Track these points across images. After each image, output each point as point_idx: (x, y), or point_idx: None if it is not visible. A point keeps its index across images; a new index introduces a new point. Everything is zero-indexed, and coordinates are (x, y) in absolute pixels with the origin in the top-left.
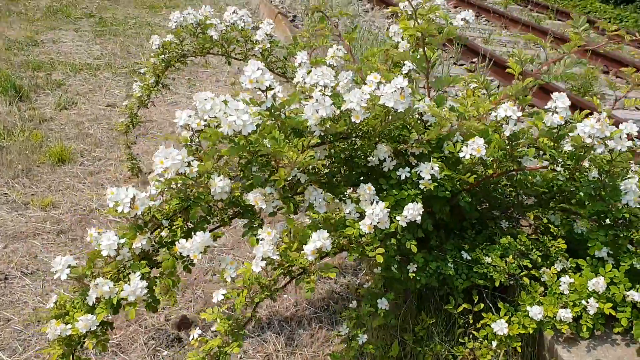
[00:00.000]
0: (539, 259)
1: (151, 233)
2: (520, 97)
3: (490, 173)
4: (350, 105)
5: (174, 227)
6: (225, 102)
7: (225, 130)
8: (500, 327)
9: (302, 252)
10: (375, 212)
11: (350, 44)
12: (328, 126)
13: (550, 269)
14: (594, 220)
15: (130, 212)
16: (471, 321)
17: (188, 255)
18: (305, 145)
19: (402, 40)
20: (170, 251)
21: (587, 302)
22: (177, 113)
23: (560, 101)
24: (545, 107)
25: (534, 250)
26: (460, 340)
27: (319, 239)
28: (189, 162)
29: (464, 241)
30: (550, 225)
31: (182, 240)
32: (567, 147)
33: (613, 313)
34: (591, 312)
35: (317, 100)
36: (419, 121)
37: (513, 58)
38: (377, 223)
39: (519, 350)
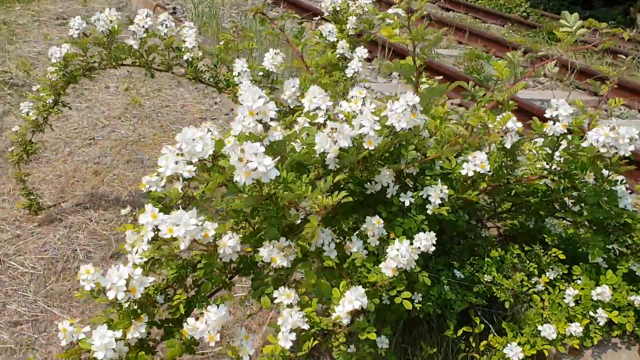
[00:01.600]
0: (535, 271)
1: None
2: (506, 102)
3: (484, 187)
4: (363, 130)
5: (174, 302)
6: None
7: (241, 179)
8: (514, 352)
9: (336, 315)
10: (402, 253)
11: (302, 50)
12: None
13: (541, 278)
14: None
15: (124, 297)
16: (473, 344)
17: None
18: (330, 183)
19: (339, 40)
20: (173, 333)
21: (596, 313)
22: (161, 162)
23: (562, 109)
24: (546, 115)
25: (528, 262)
26: None
27: (357, 298)
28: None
29: (450, 257)
30: (545, 235)
31: (191, 320)
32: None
33: (619, 321)
34: (601, 323)
35: (333, 129)
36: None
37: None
38: (405, 265)
39: None
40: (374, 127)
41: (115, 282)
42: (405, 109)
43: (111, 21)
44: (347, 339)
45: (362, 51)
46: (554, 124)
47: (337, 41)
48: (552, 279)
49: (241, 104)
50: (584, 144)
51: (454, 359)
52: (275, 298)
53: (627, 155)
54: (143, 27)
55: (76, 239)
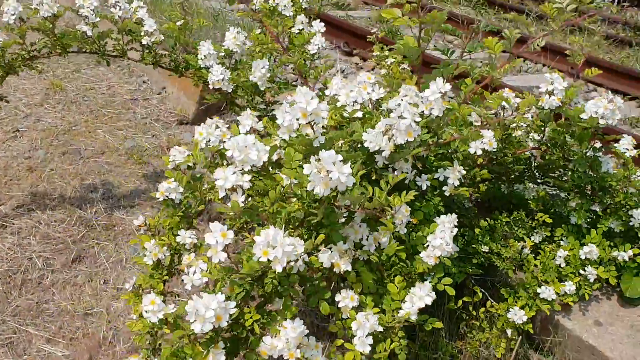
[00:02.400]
0: (524, 237)
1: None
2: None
3: (480, 162)
4: (405, 122)
5: (248, 322)
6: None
7: (320, 191)
8: (518, 315)
9: (405, 312)
10: (446, 240)
11: (278, 30)
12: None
13: (527, 242)
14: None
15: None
16: (473, 312)
17: None
18: (391, 183)
19: (298, 14)
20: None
21: (585, 271)
22: (219, 174)
23: (557, 83)
24: (541, 90)
25: (517, 229)
26: (468, 334)
27: (427, 294)
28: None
29: None
30: (528, 201)
31: (268, 339)
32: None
33: (604, 275)
34: (591, 280)
35: (389, 125)
36: None
37: None
38: (449, 252)
39: (532, 331)
40: (414, 119)
41: (203, 313)
42: (437, 97)
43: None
44: None
45: (319, 25)
46: (549, 97)
47: (295, 15)
48: (538, 242)
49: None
50: (583, 116)
51: (455, 327)
52: (338, 302)
53: (613, 123)
54: (91, 8)
55: (29, 245)
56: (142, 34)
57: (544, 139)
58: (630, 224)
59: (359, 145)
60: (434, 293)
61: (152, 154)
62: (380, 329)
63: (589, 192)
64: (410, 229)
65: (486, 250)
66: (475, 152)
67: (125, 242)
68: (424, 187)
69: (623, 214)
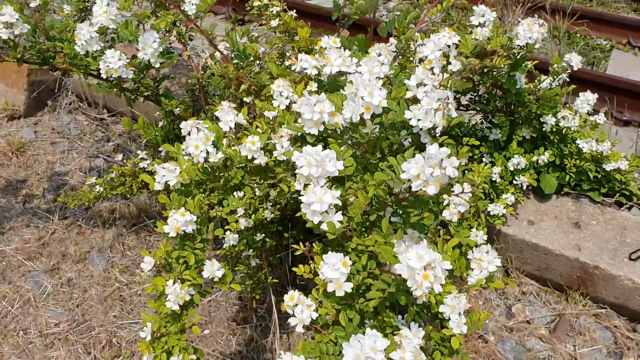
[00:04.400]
0: None
1: None
2: None
3: None
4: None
5: None
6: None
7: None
8: (479, 236)
9: None
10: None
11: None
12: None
13: None
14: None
15: None
16: None
17: None
18: None
19: None
20: None
21: (517, 180)
22: (310, 197)
23: (488, 15)
24: (473, 22)
25: None
26: None
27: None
28: None
29: None
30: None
31: None
32: None
33: (530, 180)
34: (524, 187)
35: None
36: None
37: None
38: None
39: None
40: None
41: None
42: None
43: None
44: None
45: None
46: (481, 29)
47: None
48: (465, 163)
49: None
50: (518, 42)
51: None
52: None
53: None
54: None
55: None
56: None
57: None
58: (544, 129)
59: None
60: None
61: None
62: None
63: (510, 110)
64: None
65: None
66: None
67: (21, 277)
68: None
69: (536, 123)
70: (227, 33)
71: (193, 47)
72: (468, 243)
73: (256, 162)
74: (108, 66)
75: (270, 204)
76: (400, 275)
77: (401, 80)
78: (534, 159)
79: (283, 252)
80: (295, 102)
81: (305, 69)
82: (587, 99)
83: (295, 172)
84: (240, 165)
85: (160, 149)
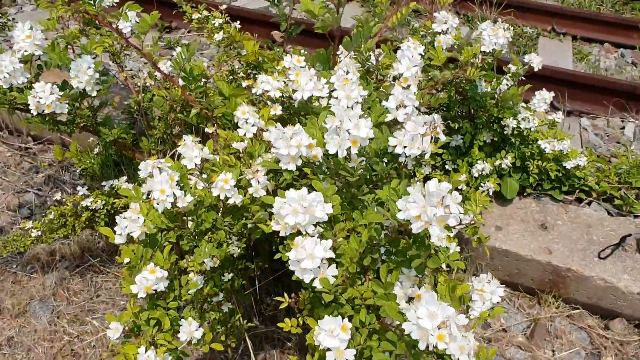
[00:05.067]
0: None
1: None
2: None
3: None
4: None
5: None
6: None
7: None
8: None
9: None
10: None
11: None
12: None
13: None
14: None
15: None
16: None
17: None
18: None
19: None
20: None
21: (483, 186)
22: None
23: (452, 22)
24: (436, 29)
25: None
26: None
27: None
28: None
29: None
30: None
31: None
32: None
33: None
34: (490, 193)
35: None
36: None
37: None
38: None
39: None
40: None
41: None
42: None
43: None
44: None
45: None
46: (444, 36)
47: None
48: (427, 173)
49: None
50: (484, 48)
51: None
52: None
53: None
54: None
55: None
56: None
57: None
58: (505, 132)
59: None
60: None
61: None
62: None
63: (470, 115)
64: None
65: None
66: None
67: None
68: None
69: (497, 126)
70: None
71: (127, 65)
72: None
73: (230, 201)
74: (39, 101)
75: (236, 237)
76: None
77: (374, 101)
78: (497, 163)
79: (245, 281)
80: (263, 130)
81: (267, 90)
82: (543, 97)
83: (272, 210)
84: (211, 206)
85: (104, 183)
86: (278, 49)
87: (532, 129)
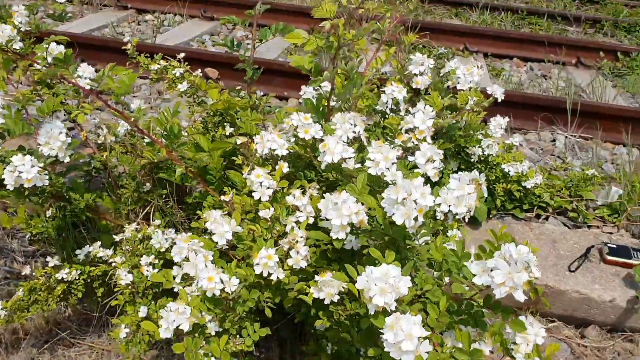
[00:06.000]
0: None
1: None
2: None
3: None
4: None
5: None
6: None
7: None
8: None
9: None
10: None
11: None
12: None
13: None
14: None
15: None
16: None
17: None
18: None
19: None
20: None
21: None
22: None
23: (427, 62)
24: (413, 71)
25: None
26: None
27: None
28: None
29: None
30: None
31: None
32: None
33: None
34: (466, 219)
35: None
36: None
37: None
38: None
39: None
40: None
41: None
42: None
43: None
44: None
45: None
46: (422, 77)
47: None
48: None
49: None
50: (460, 87)
51: None
52: None
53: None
54: None
55: None
56: None
57: None
58: (472, 160)
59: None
60: None
61: None
62: None
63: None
64: None
65: None
66: None
67: None
68: None
69: (464, 154)
70: (160, 115)
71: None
72: None
73: (272, 277)
74: (19, 176)
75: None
76: None
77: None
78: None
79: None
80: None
81: (274, 150)
82: (499, 123)
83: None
84: (252, 284)
85: (78, 251)
86: (243, 93)
87: (494, 154)
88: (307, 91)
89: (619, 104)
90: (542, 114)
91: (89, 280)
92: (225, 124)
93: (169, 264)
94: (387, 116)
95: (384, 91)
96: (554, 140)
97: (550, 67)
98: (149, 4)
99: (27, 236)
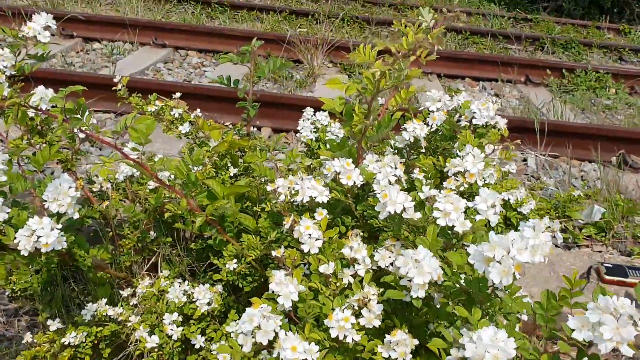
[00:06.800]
0: None
1: None
2: None
3: None
4: None
5: None
6: None
7: None
8: None
9: None
10: None
11: None
12: None
13: None
14: None
15: None
16: None
17: None
18: None
19: None
20: None
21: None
22: None
23: (445, 98)
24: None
25: None
26: None
27: None
28: None
29: None
30: None
31: None
32: None
33: None
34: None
35: None
36: None
37: None
38: None
39: None
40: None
41: None
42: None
43: None
44: None
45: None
46: (439, 113)
47: None
48: None
49: None
50: (477, 122)
51: None
52: None
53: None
54: None
55: None
56: None
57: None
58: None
59: None
60: None
61: None
62: None
63: None
64: None
65: None
66: None
67: None
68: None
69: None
70: (180, 163)
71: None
72: None
73: (347, 340)
74: (39, 240)
75: None
76: None
77: None
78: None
79: None
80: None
81: (315, 197)
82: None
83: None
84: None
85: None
86: (243, 130)
87: (493, 182)
88: (305, 126)
89: (584, 122)
90: (511, 135)
91: (95, 342)
92: (229, 164)
93: (187, 318)
94: (404, 154)
95: (405, 128)
96: (525, 160)
97: (502, 86)
98: (97, 32)
99: (6, 293)
